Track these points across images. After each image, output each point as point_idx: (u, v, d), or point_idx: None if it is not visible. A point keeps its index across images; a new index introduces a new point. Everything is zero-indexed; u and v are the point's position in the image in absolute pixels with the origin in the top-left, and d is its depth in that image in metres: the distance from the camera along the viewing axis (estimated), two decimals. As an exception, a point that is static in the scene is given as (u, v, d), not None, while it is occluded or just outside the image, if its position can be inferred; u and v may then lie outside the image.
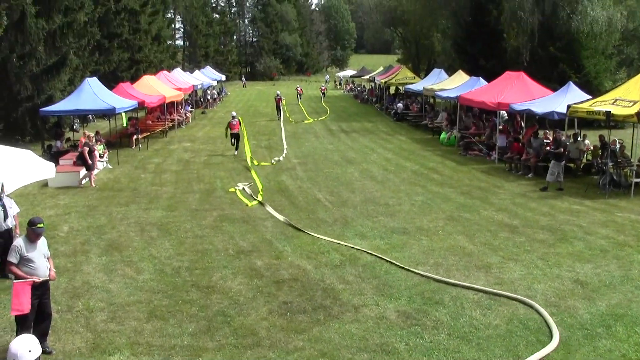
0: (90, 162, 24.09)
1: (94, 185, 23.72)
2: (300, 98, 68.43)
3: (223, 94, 76.94)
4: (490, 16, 49.12)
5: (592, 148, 27.32)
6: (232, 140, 32.77)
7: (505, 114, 33.82)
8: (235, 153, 31.93)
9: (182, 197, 21.78)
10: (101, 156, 27.59)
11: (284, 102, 52.21)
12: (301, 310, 11.76)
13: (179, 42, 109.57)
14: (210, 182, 24.57)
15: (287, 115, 51.15)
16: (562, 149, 23.31)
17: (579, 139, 26.84)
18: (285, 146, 33.78)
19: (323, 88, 78.64)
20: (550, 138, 26.25)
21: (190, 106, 53.29)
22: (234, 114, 34.21)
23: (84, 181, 24.14)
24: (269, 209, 19.61)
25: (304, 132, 40.96)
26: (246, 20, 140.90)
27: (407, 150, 33.24)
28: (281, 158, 30.50)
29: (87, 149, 24.22)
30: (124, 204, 20.61)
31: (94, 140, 26.33)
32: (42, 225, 10.35)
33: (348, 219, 18.42)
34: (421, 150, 33.34)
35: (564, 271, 13.81)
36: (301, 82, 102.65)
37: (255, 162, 28.84)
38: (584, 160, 26.95)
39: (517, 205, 20.29)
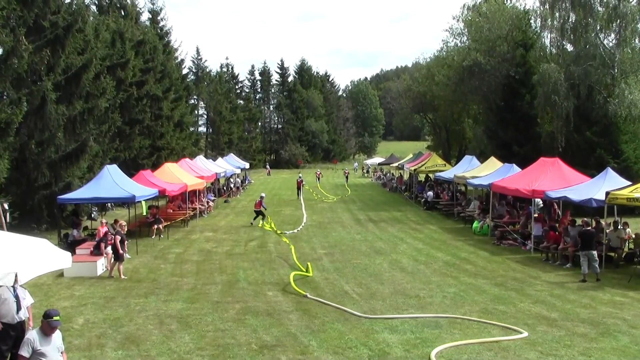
0: (121, 251, 24.21)
1: (123, 276, 23.77)
2: (319, 181, 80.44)
3: (247, 182, 77.76)
4: (523, 101, 49.69)
5: (633, 236, 27.03)
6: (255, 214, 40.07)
7: (541, 202, 33.72)
8: (252, 222, 39.17)
9: (203, 288, 21.78)
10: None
11: (304, 184, 61.96)
12: (327, 408, 11.56)
13: (202, 129, 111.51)
14: (233, 273, 24.57)
15: (310, 190, 57.24)
16: (579, 240, 23.27)
17: (619, 227, 26.62)
18: (304, 215, 34.73)
19: (346, 172, 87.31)
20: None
21: (213, 195, 53.82)
22: (263, 195, 42.05)
23: (113, 272, 24.16)
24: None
25: (330, 221, 41.10)
26: (271, 107, 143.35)
27: (438, 240, 33.15)
28: (300, 228, 34.35)
29: (119, 237, 24.36)
30: (143, 296, 20.63)
31: (125, 229, 26.36)
32: (58, 318, 10.35)
33: (377, 312, 18.25)
34: (453, 239, 33.23)
35: (607, 368, 13.50)
36: (327, 170, 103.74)
37: (267, 226, 31.26)
38: (626, 249, 26.64)
39: (555, 297, 20.02)
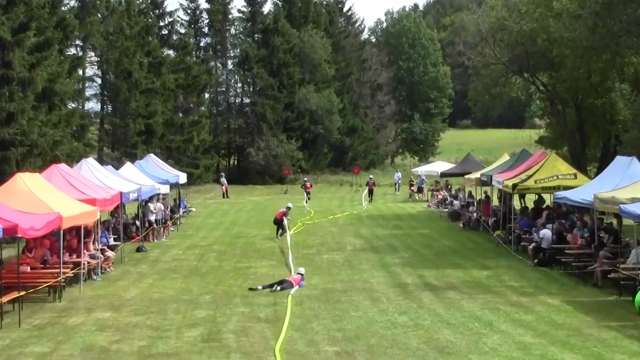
0: None
1: None
2: (308, 197, 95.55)
3: (183, 210, 77.24)
4: None
5: None
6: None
7: None
8: (279, 237, 54.56)
9: None
10: None
11: (289, 218, 64.18)
12: None
13: (94, 106, 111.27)
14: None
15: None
16: None
17: None
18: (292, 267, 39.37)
19: (371, 182, 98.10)
20: None
21: (114, 236, 53.43)
22: (290, 205, 52.81)
23: None
24: None
25: (348, 288, 40.86)
26: (230, 63, 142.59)
27: (564, 327, 32.79)
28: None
29: None
30: None
31: None
32: None
33: None
34: (595, 326, 32.88)
35: None
36: (342, 186, 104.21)
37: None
38: None
39: None
